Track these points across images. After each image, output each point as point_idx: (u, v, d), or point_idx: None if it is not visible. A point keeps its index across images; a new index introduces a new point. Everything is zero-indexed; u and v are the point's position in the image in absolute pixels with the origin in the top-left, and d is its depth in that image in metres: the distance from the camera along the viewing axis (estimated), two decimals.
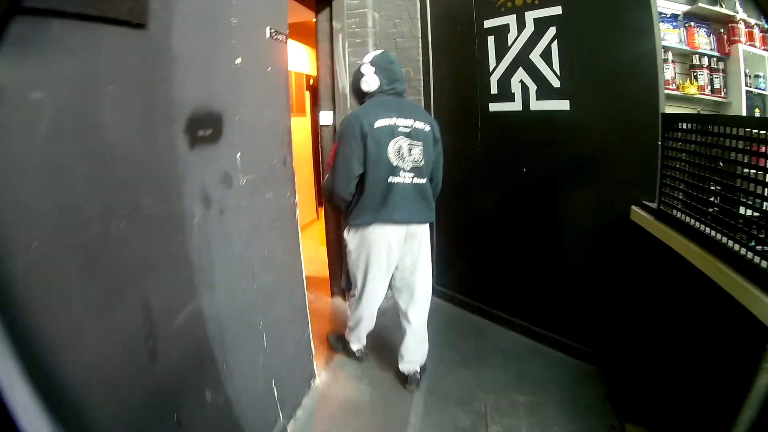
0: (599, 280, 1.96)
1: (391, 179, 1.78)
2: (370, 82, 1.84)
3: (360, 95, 1.89)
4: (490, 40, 2.28)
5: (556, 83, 2.03)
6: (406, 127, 1.82)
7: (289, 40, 1.68)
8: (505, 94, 2.25)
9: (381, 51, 1.91)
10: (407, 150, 1.83)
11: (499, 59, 2.28)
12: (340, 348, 2.25)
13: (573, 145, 2.00)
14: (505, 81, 2.25)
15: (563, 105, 2.01)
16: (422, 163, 1.83)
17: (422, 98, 2.64)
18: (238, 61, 1.33)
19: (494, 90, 2.34)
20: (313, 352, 1.96)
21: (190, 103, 1.11)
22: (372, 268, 1.86)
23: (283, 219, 1.69)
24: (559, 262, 2.12)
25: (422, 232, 1.92)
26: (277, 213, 1.64)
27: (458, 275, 2.69)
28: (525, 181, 2.19)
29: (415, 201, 1.85)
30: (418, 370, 2.00)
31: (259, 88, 1.49)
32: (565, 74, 1.99)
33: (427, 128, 1.86)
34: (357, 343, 2.15)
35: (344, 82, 2.63)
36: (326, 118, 2.67)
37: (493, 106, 2.36)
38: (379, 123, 1.76)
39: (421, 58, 2.67)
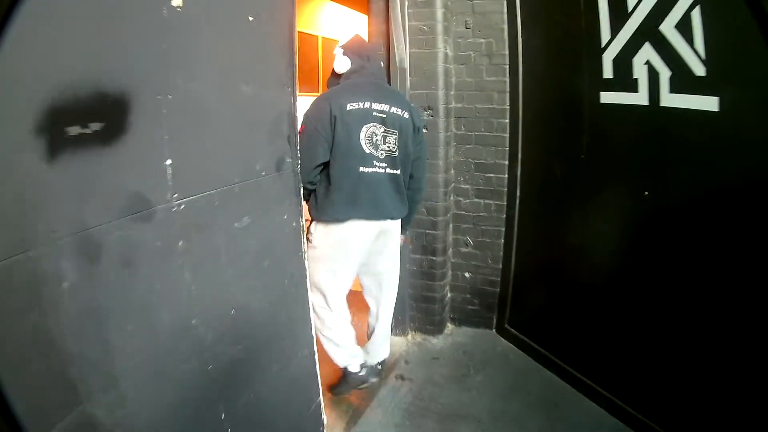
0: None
1: (362, 169, 1.77)
2: (341, 63, 1.88)
3: (335, 78, 1.92)
4: (602, 2, 1.88)
5: (699, 69, 1.60)
6: (380, 112, 1.81)
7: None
8: (624, 81, 1.85)
9: (354, 34, 1.96)
10: (381, 138, 1.82)
11: (615, 30, 1.87)
12: (343, 390, 2.04)
13: (725, 166, 1.57)
14: (623, 61, 1.86)
15: (710, 103, 1.60)
16: (397, 152, 1.84)
17: (507, 80, 2.34)
18: (177, 2, 0.96)
19: (608, 73, 1.94)
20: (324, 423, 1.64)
21: (54, 77, 0.76)
22: (340, 270, 1.85)
23: (273, 255, 1.39)
24: (684, 326, 1.75)
25: (395, 229, 1.96)
26: (262, 247, 1.33)
27: (535, 317, 2.38)
28: (647, 209, 1.80)
29: (389, 194, 1.86)
30: (381, 361, 2.10)
31: (225, 49, 1.16)
32: (713, 57, 1.55)
33: (406, 115, 1.86)
34: (351, 359, 1.97)
35: (404, 54, 2.37)
36: None
37: (606, 96, 1.96)
38: (351, 106, 1.75)
39: (506, 27, 2.31)
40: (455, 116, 2.35)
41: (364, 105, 1.78)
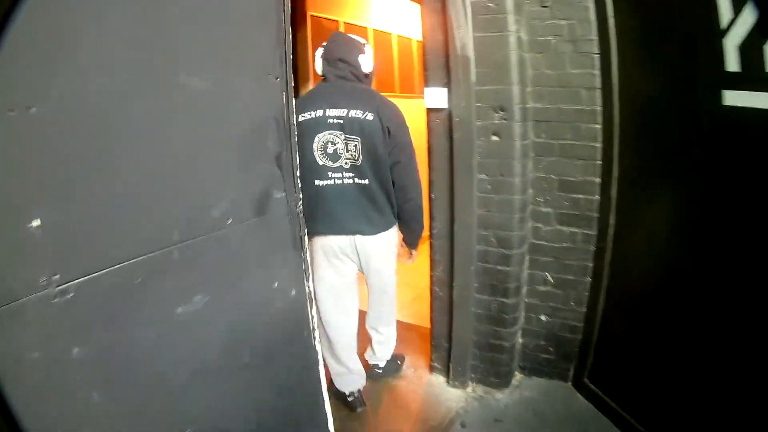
0: None
1: (317, 182, 1.89)
2: (317, 66, 1.97)
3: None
4: None
5: None
6: (337, 118, 1.85)
7: None
8: (756, 75, 1.49)
9: (333, 33, 2.05)
10: (343, 145, 1.86)
11: (739, 5, 1.49)
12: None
13: None
14: (754, 48, 1.47)
15: None
16: (360, 160, 1.87)
17: (597, 73, 1.98)
18: None
19: (732, 65, 1.56)
20: None
21: None
22: (318, 286, 1.96)
23: (258, 346, 1.10)
24: None
25: (373, 245, 1.99)
26: (235, 337, 1.04)
27: (623, 375, 2.07)
28: None
29: (356, 207, 1.91)
30: (382, 364, 2.39)
31: (147, 18, 0.82)
32: None
33: (369, 116, 1.84)
34: (342, 386, 2.21)
35: (466, 38, 2.02)
36: (436, 97, 2.12)
37: (731, 97, 1.59)
38: (303, 116, 1.84)
39: (592, 5, 1.95)
40: (533, 119, 2.07)
41: (316, 113, 1.85)
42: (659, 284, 1.90)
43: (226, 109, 0.98)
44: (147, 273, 0.82)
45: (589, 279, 2.05)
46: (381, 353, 2.36)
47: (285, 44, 1.12)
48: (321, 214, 1.88)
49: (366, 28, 3.83)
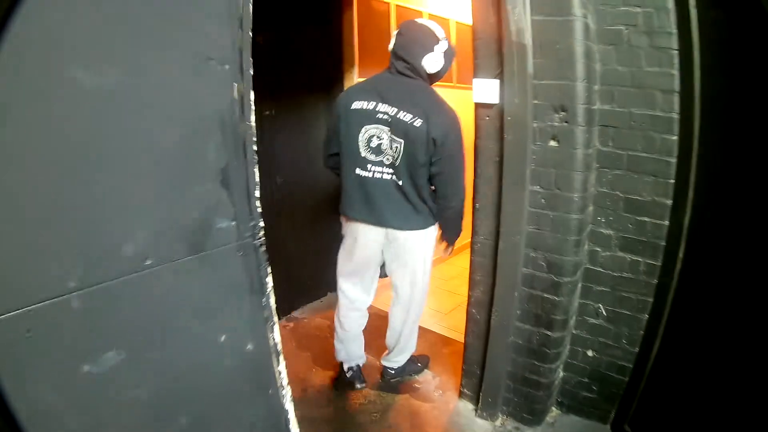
0: None
1: (358, 171, 1.96)
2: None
3: None
4: None
5: None
6: (386, 114, 1.88)
7: None
8: None
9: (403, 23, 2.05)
10: (388, 142, 1.89)
11: None
12: (338, 386, 2.43)
13: None
14: None
15: None
16: (398, 161, 1.90)
17: (676, 73, 1.73)
18: None
19: None
20: None
21: None
22: (347, 263, 2.17)
23: (203, 416, 0.92)
24: None
25: (405, 241, 2.03)
26: (162, 405, 0.86)
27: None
28: None
29: (392, 202, 1.96)
30: (394, 368, 2.40)
31: None
32: None
33: (417, 122, 1.84)
34: (344, 358, 2.38)
35: (522, 21, 1.76)
36: (486, 90, 1.88)
37: None
38: (356, 105, 1.92)
39: None
40: (599, 124, 1.86)
41: (368, 105, 1.89)
42: (729, 341, 1.68)
43: (140, 110, 0.76)
44: (38, 326, 0.68)
45: (646, 316, 1.86)
46: (395, 356, 2.39)
47: (241, 18, 0.88)
48: (359, 203, 1.99)
49: (420, 12, 3.61)
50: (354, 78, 3.16)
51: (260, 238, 1.00)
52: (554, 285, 1.83)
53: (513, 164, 1.80)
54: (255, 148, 0.99)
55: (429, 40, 1.90)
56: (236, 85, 0.91)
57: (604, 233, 1.87)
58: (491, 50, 1.84)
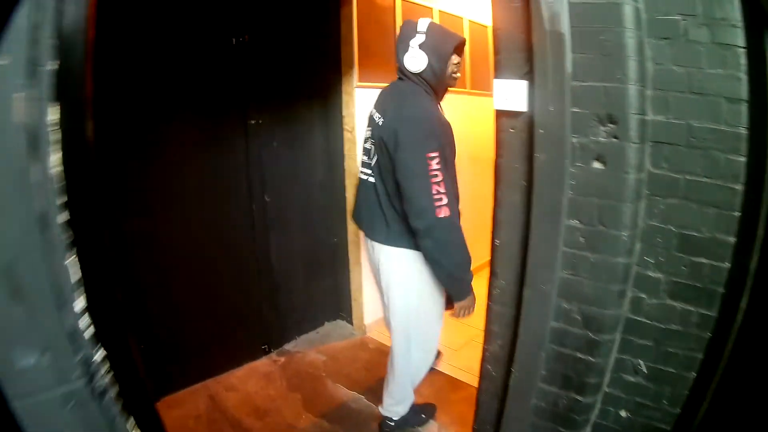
0: None
1: (360, 174, 2.00)
2: None
3: None
4: None
5: None
6: (375, 117, 1.90)
7: None
8: None
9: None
10: (370, 144, 1.90)
11: None
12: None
13: None
14: None
15: None
16: (374, 163, 1.87)
17: (743, 77, 1.37)
18: None
19: None
20: None
21: None
22: None
23: None
24: None
25: (387, 258, 1.90)
26: None
27: None
28: None
29: (375, 208, 1.88)
30: (393, 419, 2.19)
31: None
32: None
33: (381, 121, 1.83)
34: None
35: (558, 5, 1.39)
36: (510, 94, 1.49)
37: None
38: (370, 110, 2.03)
39: None
40: (652, 139, 1.45)
41: (371, 108, 1.95)
42: None
43: None
44: None
45: (693, 375, 1.52)
46: (393, 405, 2.19)
47: None
48: (358, 209, 2.01)
49: (430, 8, 3.23)
50: (353, 82, 2.78)
51: (103, 377, 0.59)
52: (590, 343, 1.48)
53: (545, 191, 1.42)
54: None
55: (407, 36, 1.80)
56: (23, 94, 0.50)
57: (652, 277, 1.50)
58: (517, 42, 1.44)
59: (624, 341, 1.57)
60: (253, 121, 2.58)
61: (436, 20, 3.26)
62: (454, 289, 1.83)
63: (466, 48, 3.84)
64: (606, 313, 1.46)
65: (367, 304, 3.12)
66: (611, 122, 1.37)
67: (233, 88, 2.50)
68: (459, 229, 1.75)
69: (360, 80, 2.83)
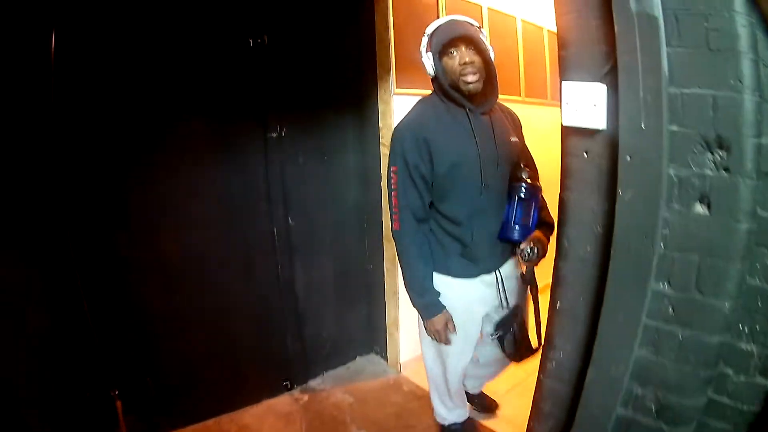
0: None
1: None
2: None
3: None
4: None
5: None
6: None
7: None
8: None
9: None
10: None
11: None
12: None
13: None
14: None
15: None
16: None
17: None
18: None
19: None
20: None
21: None
22: None
23: None
24: None
25: None
26: None
27: None
28: None
29: None
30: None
31: None
32: None
33: None
34: None
35: None
36: (583, 103, 1.09)
37: None
38: None
39: None
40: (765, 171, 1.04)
41: None
42: None
43: None
44: None
45: None
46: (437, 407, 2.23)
47: None
48: None
49: (479, 6, 2.90)
50: (390, 88, 2.44)
51: None
52: None
53: (631, 243, 1.03)
54: None
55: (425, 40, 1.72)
56: None
57: (743, 349, 1.07)
58: (592, 30, 1.06)
59: (699, 425, 1.13)
60: (273, 134, 2.28)
61: (485, 19, 2.93)
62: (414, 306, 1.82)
63: (520, 48, 3.46)
64: (686, 403, 1.06)
65: (404, 340, 2.79)
66: (720, 147, 0.96)
67: (250, 96, 2.22)
68: (406, 245, 1.70)
69: (399, 86, 2.46)
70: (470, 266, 1.71)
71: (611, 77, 1.04)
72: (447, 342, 1.74)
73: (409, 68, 2.47)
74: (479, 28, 1.63)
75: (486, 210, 1.66)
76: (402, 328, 2.75)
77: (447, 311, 1.71)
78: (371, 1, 2.44)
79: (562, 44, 1.13)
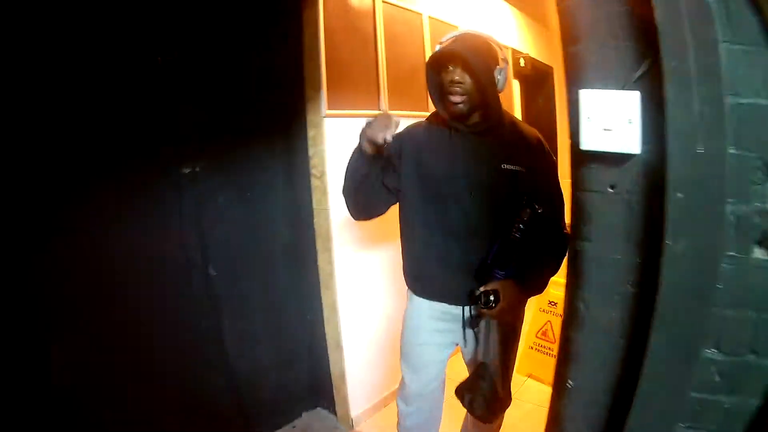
0: None
1: None
2: None
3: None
4: None
5: None
6: None
7: None
8: None
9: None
10: None
11: None
12: None
13: None
14: None
15: None
16: None
17: None
18: None
19: None
20: None
21: None
22: None
23: None
24: None
25: None
26: None
27: None
28: None
29: None
30: None
31: None
32: None
33: None
34: None
35: None
36: (615, 120, 0.77)
37: None
38: None
39: None
40: None
41: None
42: None
43: None
44: None
45: None
46: None
47: None
48: None
49: (419, 14, 2.77)
50: (321, 110, 2.13)
51: None
52: None
53: (679, 306, 0.75)
54: None
55: None
56: None
57: None
58: (614, 20, 0.79)
59: None
60: (187, 169, 1.90)
61: (426, 28, 2.75)
62: None
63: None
64: None
65: (353, 393, 2.49)
66: None
67: (159, 124, 1.83)
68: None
69: (330, 107, 2.16)
70: (425, 286, 1.64)
71: (644, 83, 0.76)
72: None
73: (343, 86, 2.19)
74: (500, 47, 1.59)
75: (457, 233, 1.55)
76: (350, 381, 2.44)
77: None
78: (298, 10, 2.10)
79: (570, 38, 0.83)
